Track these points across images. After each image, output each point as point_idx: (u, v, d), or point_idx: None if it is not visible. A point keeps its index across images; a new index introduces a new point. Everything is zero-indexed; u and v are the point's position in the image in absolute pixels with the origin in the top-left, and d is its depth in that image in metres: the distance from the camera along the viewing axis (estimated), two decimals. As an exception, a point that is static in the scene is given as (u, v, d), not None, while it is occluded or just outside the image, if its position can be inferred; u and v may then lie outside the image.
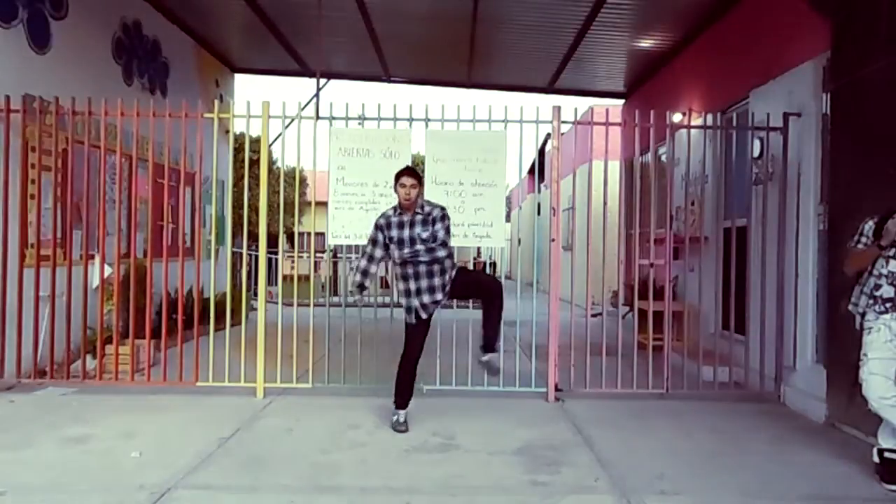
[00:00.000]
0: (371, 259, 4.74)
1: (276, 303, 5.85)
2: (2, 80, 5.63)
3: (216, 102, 6.11)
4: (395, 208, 4.73)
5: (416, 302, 4.65)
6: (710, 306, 6.38)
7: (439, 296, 4.65)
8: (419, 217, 4.63)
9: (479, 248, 15.10)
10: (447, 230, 4.62)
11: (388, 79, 11.20)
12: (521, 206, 23.28)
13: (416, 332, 4.73)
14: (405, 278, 4.67)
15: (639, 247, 6.13)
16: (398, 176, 4.65)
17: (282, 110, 5.77)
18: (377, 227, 4.74)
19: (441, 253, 4.57)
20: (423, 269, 4.60)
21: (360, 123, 5.88)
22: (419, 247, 4.55)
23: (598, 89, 11.44)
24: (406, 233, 4.61)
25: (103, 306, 6.06)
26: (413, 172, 4.68)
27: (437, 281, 4.62)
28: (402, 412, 4.75)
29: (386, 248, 4.70)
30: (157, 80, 8.42)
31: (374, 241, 4.74)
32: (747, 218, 6.15)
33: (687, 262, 7.78)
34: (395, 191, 4.68)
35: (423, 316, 4.68)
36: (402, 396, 4.78)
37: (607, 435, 4.67)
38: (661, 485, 3.75)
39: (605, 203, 5.93)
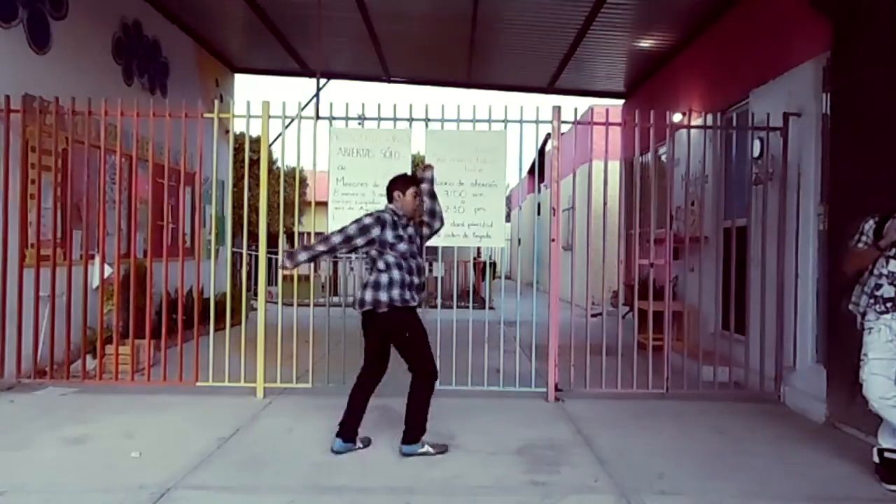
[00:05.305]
0: None
1: (276, 303, 5.85)
2: (2, 80, 5.62)
3: (216, 102, 6.11)
4: None
5: None
6: (710, 306, 6.38)
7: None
8: None
9: (479, 248, 15.13)
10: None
11: (388, 79, 11.19)
12: (521, 206, 23.28)
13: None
14: None
15: (639, 247, 6.14)
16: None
17: (282, 110, 5.77)
18: None
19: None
20: None
21: (360, 123, 5.88)
22: None
23: (598, 89, 11.43)
24: None
25: (103, 306, 6.06)
26: None
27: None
28: None
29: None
30: (157, 80, 8.42)
31: None
32: (747, 218, 6.15)
33: (687, 262, 7.78)
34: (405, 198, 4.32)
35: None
36: None
37: (607, 435, 4.67)
38: (661, 485, 3.75)
39: (605, 203, 5.94)
